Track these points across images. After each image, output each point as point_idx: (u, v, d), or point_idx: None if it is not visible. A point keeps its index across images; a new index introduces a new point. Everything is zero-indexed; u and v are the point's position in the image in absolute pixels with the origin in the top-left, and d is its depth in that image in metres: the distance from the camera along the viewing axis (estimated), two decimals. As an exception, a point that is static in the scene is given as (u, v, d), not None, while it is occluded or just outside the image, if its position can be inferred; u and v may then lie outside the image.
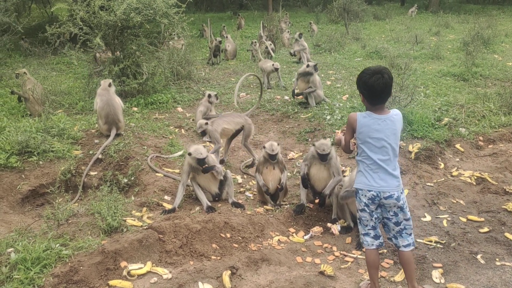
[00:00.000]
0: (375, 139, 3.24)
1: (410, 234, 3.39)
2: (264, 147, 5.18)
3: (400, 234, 3.38)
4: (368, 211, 3.37)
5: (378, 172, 3.28)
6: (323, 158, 4.82)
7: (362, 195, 3.36)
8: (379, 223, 3.46)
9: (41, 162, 5.88)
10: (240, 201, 5.29)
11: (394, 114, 3.29)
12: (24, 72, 8.05)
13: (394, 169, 3.29)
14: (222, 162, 6.33)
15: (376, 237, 3.43)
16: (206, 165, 5.02)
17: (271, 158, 5.12)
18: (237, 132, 6.61)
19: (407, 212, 3.36)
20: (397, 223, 3.37)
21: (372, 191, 3.30)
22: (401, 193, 3.31)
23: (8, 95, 8.86)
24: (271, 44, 13.46)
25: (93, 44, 8.49)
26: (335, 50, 14.68)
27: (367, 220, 3.41)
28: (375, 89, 3.18)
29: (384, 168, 3.26)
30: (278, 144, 5.18)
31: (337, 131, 3.90)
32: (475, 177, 5.62)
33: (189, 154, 5.01)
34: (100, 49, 8.94)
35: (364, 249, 4.24)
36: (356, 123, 3.28)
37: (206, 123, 6.22)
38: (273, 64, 10.16)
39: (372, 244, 3.44)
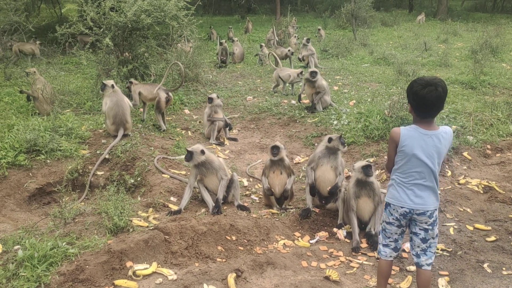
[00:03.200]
0: (417, 155, 3.06)
1: (434, 253, 3.27)
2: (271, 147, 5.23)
3: (425, 252, 3.23)
4: (396, 225, 3.26)
5: (413, 189, 3.12)
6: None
7: (393, 209, 3.21)
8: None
9: (48, 161, 5.92)
10: (246, 204, 5.29)
11: (444, 132, 3.07)
12: (34, 71, 8.11)
13: (432, 185, 3.12)
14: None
15: (395, 249, 3.34)
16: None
17: (272, 154, 5.17)
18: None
19: (436, 229, 3.20)
20: (424, 240, 3.21)
21: (404, 207, 3.15)
22: (435, 210, 3.15)
23: (17, 94, 8.93)
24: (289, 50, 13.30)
25: (102, 45, 8.54)
26: (342, 55, 14.68)
27: (392, 233, 3.30)
28: (426, 101, 2.96)
29: (421, 185, 3.11)
30: (284, 147, 5.23)
31: None
32: (483, 186, 5.58)
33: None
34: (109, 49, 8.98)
35: (376, 256, 4.25)
36: (399, 137, 3.08)
37: (131, 82, 7.71)
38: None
39: (390, 256, 3.35)
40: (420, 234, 3.20)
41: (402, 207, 3.16)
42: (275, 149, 5.17)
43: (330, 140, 5.01)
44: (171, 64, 8.38)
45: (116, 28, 8.52)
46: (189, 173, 5.50)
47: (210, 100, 7.50)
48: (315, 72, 8.41)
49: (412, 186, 3.12)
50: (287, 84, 10.10)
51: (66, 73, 12.13)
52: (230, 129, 7.91)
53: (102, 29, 8.51)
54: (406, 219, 3.20)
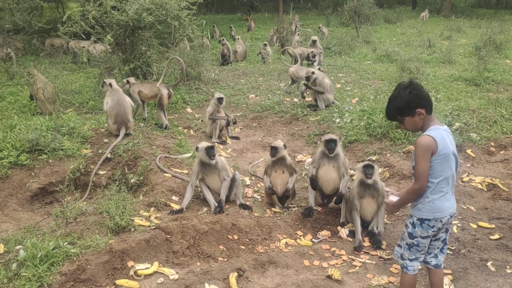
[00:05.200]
0: (449, 154, 2.96)
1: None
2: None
3: (441, 250, 3.22)
4: (431, 238, 3.13)
5: (448, 192, 3.02)
6: (330, 145, 4.84)
7: (436, 221, 3.03)
8: None
9: (50, 161, 5.92)
10: (248, 203, 5.28)
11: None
12: (34, 71, 8.08)
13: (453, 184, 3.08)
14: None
15: (422, 260, 3.25)
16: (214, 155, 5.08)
17: (271, 155, 5.21)
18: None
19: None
20: (444, 240, 3.19)
21: (446, 216, 3.04)
22: None
23: (19, 93, 8.95)
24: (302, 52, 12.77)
25: (104, 42, 8.54)
26: (345, 53, 14.63)
27: (425, 246, 3.15)
28: (429, 98, 3.00)
29: (452, 185, 3.03)
30: (284, 145, 5.23)
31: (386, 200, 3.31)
32: (486, 183, 5.54)
33: (196, 148, 5.14)
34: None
35: (380, 254, 4.23)
36: (437, 144, 2.89)
37: (128, 81, 7.59)
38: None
39: (417, 269, 3.23)
40: (442, 236, 3.17)
41: (447, 216, 3.05)
42: (273, 150, 5.17)
43: (322, 142, 5.00)
44: (170, 58, 8.36)
45: (118, 27, 8.51)
46: (190, 172, 5.48)
47: (221, 100, 7.48)
48: (308, 77, 8.31)
49: (450, 188, 3.05)
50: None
51: (69, 72, 12.15)
52: (235, 123, 7.90)
53: (103, 27, 8.52)
54: (447, 224, 3.11)
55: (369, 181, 4.46)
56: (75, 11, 9.29)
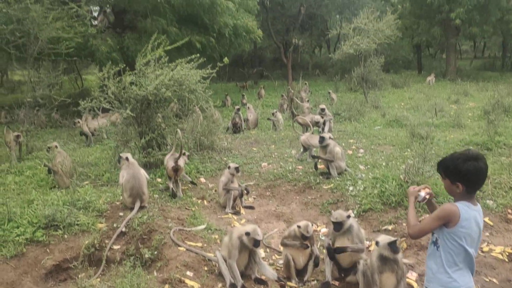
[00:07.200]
0: (469, 234, 2.95)
1: None
2: (298, 226, 5.16)
3: None
4: None
5: (463, 268, 3.01)
6: (336, 227, 4.83)
7: None
8: None
9: (66, 236, 5.95)
10: (263, 277, 5.18)
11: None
12: (55, 146, 8.37)
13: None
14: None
15: None
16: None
17: (303, 239, 5.11)
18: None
19: None
20: None
21: None
22: None
23: (38, 167, 9.16)
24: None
25: (122, 117, 8.87)
26: (355, 118, 14.87)
27: None
28: (482, 172, 2.99)
29: (469, 262, 3.02)
30: (312, 225, 5.21)
31: (411, 188, 3.38)
32: (507, 253, 5.40)
33: (247, 234, 5.00)
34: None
35: None
36: (459, 218, 2.92)
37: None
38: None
39: None
40: None
41: None
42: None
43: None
44: (175, 131, 8.53)
45: (135, 101, 8.85)
46: (220, 248, 5.43)
47: (237, 169, 7.61)
48: (322, 138, 8.50)
49: (467, 265, 3.04)
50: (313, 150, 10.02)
51: (86, 145, 12.48)
52: (248, 193, 7.92)
53: (121, 102, 8.88)
54: None
55: (394, 256, 4.40)
56: (94, 87, 9.74)
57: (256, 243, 5.01)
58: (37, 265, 5.49)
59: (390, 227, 6.24)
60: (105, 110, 12.64)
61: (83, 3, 13.77)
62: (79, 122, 13.38)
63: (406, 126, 12.06)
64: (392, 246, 4.39)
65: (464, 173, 2.96)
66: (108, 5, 19.86)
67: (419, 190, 3.29)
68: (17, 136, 10.54)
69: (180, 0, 16.71)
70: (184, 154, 8.20)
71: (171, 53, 9.67)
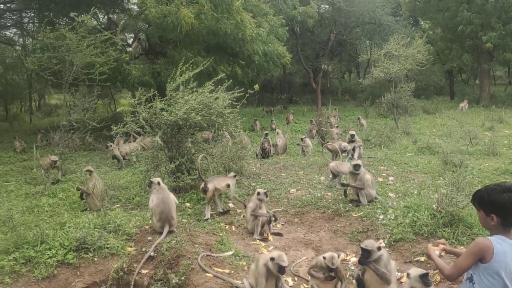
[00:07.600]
0: (504, 270, 2.84)
1: None
2: (324, 258, 5.08)
3: None
4: None
5: None
6: (364, 254, 4.77)
7: None
8: None
9: (95, 259, 6.03)
10: (290, 308, 5.09)
11: None
12: (91, 170, 8.59)
13: None
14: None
15: None
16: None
17: (329, 270, 5.02)
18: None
19: None
20: None
21: None
22: None
23: (71, 189, 9.40)
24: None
25: (153, 142, 9.05)
26: (385, 145, 14.66)
27: None
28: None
29: None
30: (338, 257, 5.11)
31: (430, 245, 3.47)
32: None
33: (272, 259, 4.95)
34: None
35: None
36: (493, 254, 2.84)
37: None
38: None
39: None
40: None
41: None
42: (332, 271, 4.99)
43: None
44: (200, 156, 8.63)
45: (166, 126, 9.03)
46: (248, 275, 5.38)
47: (266, 195, 7.63)
48: (358, 165, 8.39)
49: None
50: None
51: (117, 168, 12.75)
52: (276, 219, 7.86)
53: (152, 127, 9.09)
54: None
55: None
56: (125, 110, 10.00)
57: (281, 270, 4.92)
58: (67, 287, 5.56)
59: (422, 259, 6.05)
60: (139, 134, 12.94)
61: (118, 31, 14.28)
62: (111, 145, 13.72)
63: (439, 154, 11.79)
64: (424, 279, 4.24)
65: (499, 205, 2.88)
66: (141, 33, 20.59)
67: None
68: (54, 162, 10.88)
69: (205, 30, 17.06)
70: (234, 176, 8.77)
71: (200, 79, 9.89)
